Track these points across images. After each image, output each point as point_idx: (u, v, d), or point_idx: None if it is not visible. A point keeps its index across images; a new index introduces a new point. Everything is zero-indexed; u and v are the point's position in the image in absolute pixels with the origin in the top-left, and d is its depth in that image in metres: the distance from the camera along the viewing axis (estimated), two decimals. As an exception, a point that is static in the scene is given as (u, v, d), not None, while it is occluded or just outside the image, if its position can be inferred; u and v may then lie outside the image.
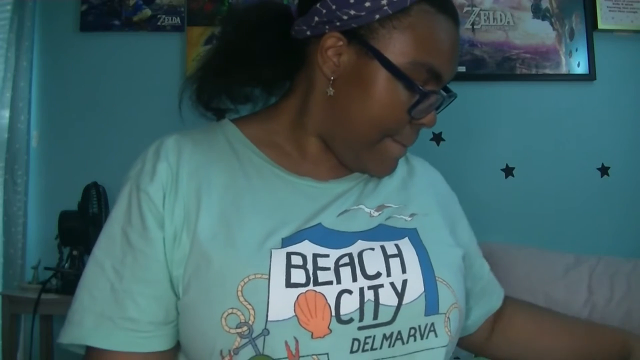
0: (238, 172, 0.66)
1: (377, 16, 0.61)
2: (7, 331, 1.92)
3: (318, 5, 0.64)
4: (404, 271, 0.61)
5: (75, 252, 1.96)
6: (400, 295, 0.59)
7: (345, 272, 0.59)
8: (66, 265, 1.99)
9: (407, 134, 0.67)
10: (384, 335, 0.58)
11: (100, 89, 2.30)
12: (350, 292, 0.58)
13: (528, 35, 2.42)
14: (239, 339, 0.55)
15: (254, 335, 0.55)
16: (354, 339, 0.57)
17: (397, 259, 0.62)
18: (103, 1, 2.33)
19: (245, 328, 0.55)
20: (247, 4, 0.73)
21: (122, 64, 2.32)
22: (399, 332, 0.59)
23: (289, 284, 0.57)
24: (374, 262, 0.61)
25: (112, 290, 0.59)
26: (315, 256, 0.60)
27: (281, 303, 0.56)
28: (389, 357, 0.59)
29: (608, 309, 1.97)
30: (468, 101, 2.36)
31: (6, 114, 2.22)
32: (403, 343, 0.59)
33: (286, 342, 0.55)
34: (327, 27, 0.64)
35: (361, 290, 0.58)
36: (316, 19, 0.64)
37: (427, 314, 0.61)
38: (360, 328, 0.57)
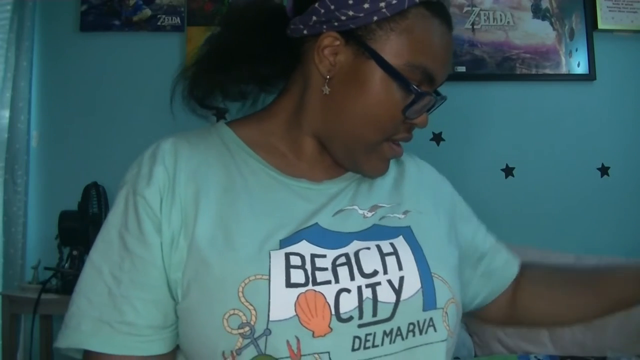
0: (235, 174, 0.66)
1: (375, 18, 0.62)
2: (7, 331, 1.92)
3: (317, 5, 0.65)
4: (400, 268, 0.62)
5: (75, 252, 1.96)
6: (397, 292, 0.60)
7: (343, 271, 0.60)
8: (66, 265, 1.99)
9: (404, 134, 0.68)
10: (384, 332, 0.59)
11: (100, 89, 2.30)
12: (348, 290, 0.59)
13: (528, 35, 2.42)
14: (241, 339, 0.55)
15: (255, 336, 0.55)
16: (355, 337, 0.58)
17: (393, 257, 0.63)
18: (103, 1, 2.34)
19: (247, 328, 0.55)
20: (244, 3, 0.74)
21: (122, 64, 2.32)
22: (399, 328, 0.60)
23: (289, 284, 0.57)
24: (370, 260, 0.62)
25: (110, 295, 0.59)
26: (313, 256, 0.60)
27: (282, 303, 0.56)
28: (390, 354, 0.59)
29: (608, 309, 1.96)
30: (468, 101, 2.36)
31: (6, 114, 2.22)
32: (403, 339, 0.60)
33: (288, 342, 0.56)
34: (324, 26, 0.65)
35: (359, 288, 0.59)
36: (314, 18, 0.65)
37: (425, 309, 0.61)
38: (360, 326, 0.58)
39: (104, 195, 2.05)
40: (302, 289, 0.57)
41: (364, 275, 0.60)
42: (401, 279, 0.61)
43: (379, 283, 0.60)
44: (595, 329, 1.94)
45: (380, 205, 0.70)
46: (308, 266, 0.59)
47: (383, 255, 0.63)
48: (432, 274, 0.63)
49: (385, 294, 0.60)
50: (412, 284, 0.61)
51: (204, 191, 0.63)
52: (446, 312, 0.63)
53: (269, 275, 0.57)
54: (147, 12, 2.35)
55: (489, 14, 2.42)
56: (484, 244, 0.84)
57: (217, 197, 0.63)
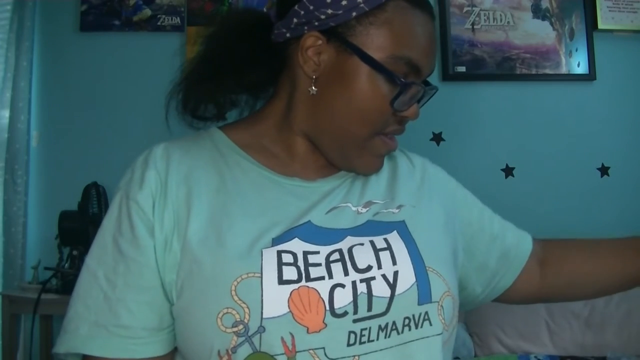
0: (227, 175, 0.67)
1: (354, 13, 0.63)
2: (7, 331, 1.93)
3: (296, 7, 0.65)
4: (394, 263, 0.62)
5: (75, 252, 1.96)
6: (392, 286, 0.60)
7: (337, 267, 0.60)
8: (66, 265, 1.99)
9: (393, 127, 0.69)
10: (379, 326, 0.59)
11: (100, 89, 2.30)
12: (342, 286, 0.59)
13: (528, 35, 2.42)
14: (235, 337, 0.56)
15: (250, 333, 0.56)
16: (350, 332, 0.58)
17: (387, 252, 0.63)
18: (103, 1, 2.34)
19: (241, 327, 0.56)
20: (226, 14, 0.74)
21: (122, 64, 2.32)
22: (394, 323, 0.60)
23: (281, 281, 0.57)
24: (364, 256, 0.62)
25: (106, 298, 0.60)
26: (306, 253, 0.60)
27: (275, 300, 0.56)
28: (386, 348, 0.60)
29: (608, 309, 1.97)
30: (468, 101, 2.36)
31: (6, 114, 2.23)
32: (398, 333, 0.60)
33: (282, 338, 0.56)
34: (305, 27, 0.66)
35: (353, 283, 0.59)
36: (295, 20, 0.66)
37: (420, 302, 0.61)
38: (355, 321, 0.58)
39: (104, 195, 2.06)
40: (295, 285, 0.57)
41: (358, 270, 0.60)
42: (395, 273, 0.61)
43: (373, 278, 0.60)
44: (596, 329, 1.94)
45: (374, 201, 0.70)
46: (301, 263, 0.59)
47: (377, 251, 0.63)
48: (427, 268, 0.63)
49: (380, 289, 0.60)
50: (407, 278, 0.61)
51: (196, 192, 0.64)
52: (441, 306, 0.63)
53: (261, 273, 0.57)
54: (147, 12, 2.35)
55: (489, 14, 2.42)
56: (492, 225, 0.84)
57: (209, 198, 0.64)
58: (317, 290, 0.58)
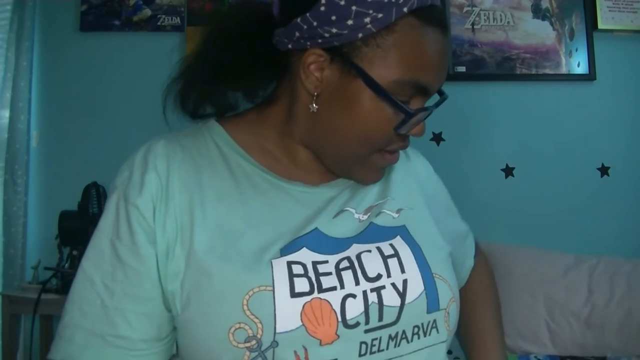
0: (229, 180, 0.65)
1: (360, 34, 0.59)
2: (7, 331, 1.92)
3: (299, 20, 0.61)
4: (402, 271, 0.62)
5: (75, 252, 1.96)
6: (402, 295, 0.60)
7: (348, 275, 0.59)
8: (66, 265, 1.99)
9: (398, 144, 0.66)
10: (390, 336, 0.59)
11: (100, 89, 2.30)
12: (354, 296, 0.58)
13: (528, 35, 2.42)
14: (248, 352, 0.55)
15: (263, 348, 0.55)
16: (362, 342, 0.58)
17: (395, 259, 0.62)
18: (103, 1, 2.33)
19: (254, 342, 0.55)
20: (228, 11, 0.71)
21: (122, 64, 2.31)
22: (404, 332, 0.60)
23: (293, 294, 0.56)
24: (373, 263, 0.61)
25: (103, 306, 0.58)
26: (315, 263, 0.59)
27: (288, 314, 0.55)
28: (396, 357, 0.60)
29: (608, 309, 1.97)
30: (468, 101, 2.36)
31: (6, 114, 2.22)
32: (408, 342, 0.60)
33: (295, 352, 0.55)
34: (308, 43, 0.61)
35: (364, 293, 0.59)
36: (297, 34, 0.62)
37: (429, 311, 0.61)
38: (366, 331, 0.58)
39: (104, 195, 2.05)
40: (308, 298, 0.57)
41: (368, 279, 0.60)
42: (404, 281, 0.61)
43: (383, 287, 0.60)
44: (595, 329, 1.94)
45: (374, 205, 0.69)
46: (311, 273, 0.58)
47: (385, 258, 0.62)
48: (433, 275, 0.63)
49: (391, 298, 0.59)
50: (416, 287, 0.61)
51: (199, 199, 0.61)
52: (448, 313, 0.63)
53: (273, 286, 0.56)
54: (147, 12, 2.35)
55: (489, 14, 2.42)
56: (462, 228, 0.86)
57: (213, 205, 0.62)
58: (329, 302, 0.57)
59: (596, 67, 2.40)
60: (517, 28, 2.42)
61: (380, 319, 0.58)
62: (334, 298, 0.57)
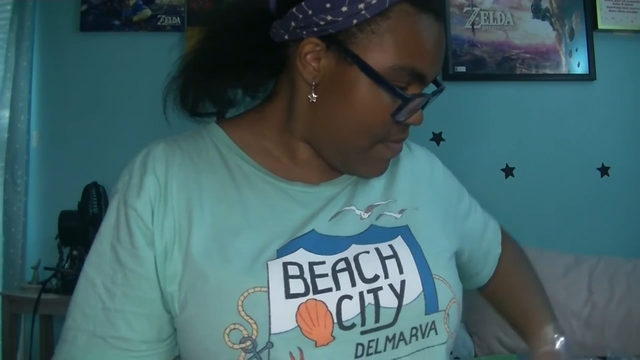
0: (228, 182, 0.65)
1: (355, 21, 0.59)
2: (7, 331, 1.92)
3: (294, 10, 0.61)
4: (401, 272, 0.61)
5: (75, 252, 1.96)
6: (399, 297, 0.60)
7: (344, 277, 0.59)
8: (66, 265, 1.99)
9: (398, 134, 0.66)
10: (387, 337, 0.59)
11: (100, 89, 2.30)
12: (350, 297, 0.58)
13: (528, 35, 2.42)
14: (243, 353, 0.55)
15: (258, 349, 0.55)
16: (358, 344, 0.57)
17: (393, 260, 0.62)
18: (103, 1, 2.33)
19: (248, 343, 0.55)
20: (225, 7, 0.71)
21: (122, 64, 2.31)
22: (401, 333, 0.59)
23: (288, 295, 0.56)
24: (370, 265, 0.61)
25: (104, 308, 0.58)
26: (311, 264, 0.59)
27: (283, 315, 0.56)
28: (393, 359, 0.59)
29: (608, 309, 1.97)
30: (468, 101, 2.36)
31: (6, 114, 2.22)
32: (406, 343, 0.60)
33: (290, 353, 0.55)
34: (304, 32, 0.61)
35: (361, 294, 0.58)
36: (293, 24, 0.62)
37: (427, 312, 0.61)
38: (363, 332, 0.58)
39: (104, 195, 2.05)
40: (303, 299, 0.56)
41: (365, 280, 0.59)
42: (402, 282, 0.60)
43: (380, 288, 0.59)
44: (595, 329, 1.94)
45: (376, 204, 0.69)
46: (307, 275, 0.58)
47: (383, 259, 0.62)
48: (433, 275, 0.63)
49: (387, 299, 0.59)
50: (414, 288, 0.61)
51: (197, 200, 0.62)
52: (448, 314, 0.63)
53: (268, 287, 0.56)
54: (147, 12, 2.35)
55: (489, 14, 2.42)
56: (479, 223, 0.86)
57: (211, 207, 0.62)
58: (324, 303, 0.57)
59: (596, 67, 2.40)
60: (517, 28, 2.42)
61: (377, 320, 0.58)
62: (330, 299, 0.57)
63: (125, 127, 2.26)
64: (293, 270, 0.58)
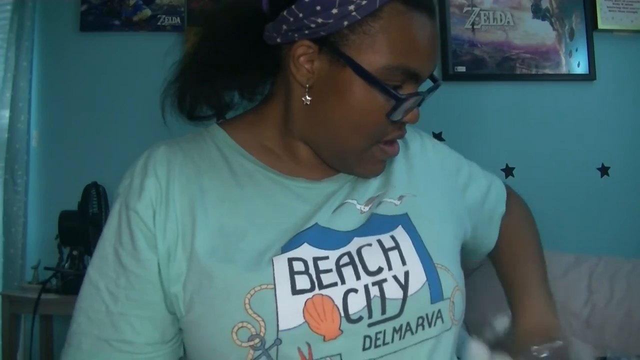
0: (231, 181, 0.65)
1: (346, 22, 0.59)
2: (7, 331, 1.92)
3: (285, 13, 0.61)
4: (404, 263, 0.62)
5: (75, 252, 1.96)
6: (404, 287, 0.60)
7: (348, 271, 0.60)
8: (66, 265, 1.99)
9: (394, 134, 0.66)
10: (394, 328, 0.59)
11: (100, 89, 2.30)
12: (355, 290, 0.58)
13: (528, 35, 2.42)
14: (251, 351, 0.55)
15: (266, 347, 0.55)
16: (366, 336, 0.58)
17: (396, 252, 0.62)
18: (103, 1, 2.33)
19: (257, 340, 0.55)
20: (219, 9, 0.71)
21: (122, 64, 2.31)
22: (408, 324, 0.60)
23: (295, 291, 0.57)
24: (374, 257, 0.61)
25: (108, 312, 0.59)
26: (316, 260, 0.60)
27: (290, 311, 0.56)
28: (400, 349, 0.60)
29: (608, 309, 1.97)
30: (468, 101, 2.36)
31: (6, 114, 2.22)
32: (412, 333, 0.60)
33: (299, 349, 0.56)
34: (296, 35, 0.62)
35: (366, 287, 0.59)
36: (284, 27, 0.62)
37: (433, 301, 0.61)
38: (370, 325, 0.58)
39: (104, 195, 2.05)
40: (309, 295, 0.57)
41: (369, 273, 0.60)
42: (406, 273, 0.61)
43: (385, 280, 0.60)
44: (595, 329, 1.94)
45: (375, 196, 0.69)
46: (312, 270, 0.58)
47: (386, 251, 0.62)
48: (435, 265, 0.63)
49: (393, 291, 0.60)
50: (418, 278, 0.61)
51: (200, 201, 0.62)
52: (453, 302, 0.63)
53: (274, 284, 0.57)
54: (147, 12, 2.35)
55: (489, 14, 2.42)
56: (481, 188, 0.85)
57: (214, 207, 0.62)
58: (330, 298, 0.57)
59: (596, 67, 2.40)
60: (517, 28, 2.42)
61: (384, 312, 0.59)
62: (336, 294, 0.58)
63: (126, 127, 2.26)
64: (298, 266, 0.58)
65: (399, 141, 0.77)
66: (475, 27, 2.41)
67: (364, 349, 0.58)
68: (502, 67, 2.40)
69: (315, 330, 0.56)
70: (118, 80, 2.30)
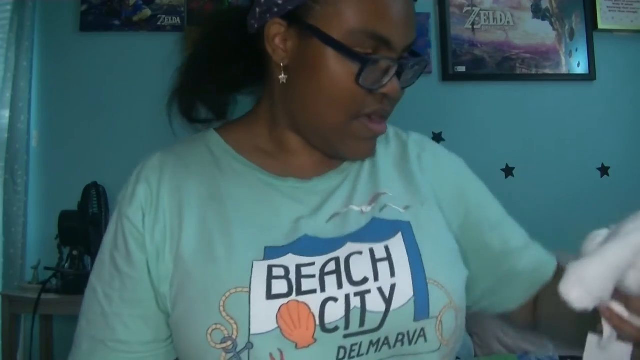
0: (219, 182, 0.65)
1: None
2: (7, 331, 1.92)
3: None
4: (392, 275, 0.59)
5: (75, 252, 1.96)
6: (388, 301, 0.58)
7: (330, 279, 0.58)
8: (66, 265, 1.98)
9: (374, 107, 0.63)
10: (371, 341, 0.57)
11: (100, 89, 2.30)
12: (335, 299, 0.57)
13: (528, 35, 2.42)
14: (224, 354, 0.55)
15: (238, 350, 0.55)
16: (340, 347, 0.56)
17: (386, 263, 0.60)
18: (103, 1, 2.34)
19: (229, 343, 0.55)
20: (203, 17, 0.74)
21: (122, 64, 2.32)
22: (386, 338, 0.58)
23: (269, 296, 0.56)
24: (361, 267, 0.59)
25: (103, 313, 0.61)
26: (299, 266, 0.59)
27: (263, 315, 0.55)
28: None
29: (608, 309, 1.96)
30: (468, 101, 2.36)
31: (6, 114, 2.22)
32: (390, 347, 0.58)
33: (271, 354, 0.55)
34: (267, 15, 0.63)
35: (347, 297, 0.57)
36: (258, 10, 0.64)
37: (416, 319, 0.58)
38: (346, 336, 0.56)
39: (104, 195, 2.05)
40: (284, 300, 0.56)
41: (352, 283, 0.58)
42: (392, 286, 0.58)
43: (368, 291, 0.58)
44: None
45: (382, 192, 0.67)
46: (292, 276, 0.58)
47: (375, 261, 0.60)
48: (428, 280, 0.60)
49: (375, 303, 0.57)
50: (404, 292, 0.58)
51: (187, 202, 0.63)
52: (440, 321, 0.60)
53: (249, 288, 0.56)
54: (147, 12, 2.35)
55: (489, 14, 2.42)
56: (511, 237, 0.81)
57: (200, 208, 0.63)
58: (307, 305, 0.56)
59: (596, 67, 2.40)
60: (517, 28, 2.42)
61: (362, 324, 0.57)
62: (313, 301, 0.56)
63: (126, 127, 2.26)
64: (278, 271, 0.58)
65: (417, 145, 0.75)
66: (475, 27, 2.41)
67: (338, 359, 0.56)
68: (502, 67, 2.40)
69: (287, 336, 0.55)
70: (118, 80, 2.30)
